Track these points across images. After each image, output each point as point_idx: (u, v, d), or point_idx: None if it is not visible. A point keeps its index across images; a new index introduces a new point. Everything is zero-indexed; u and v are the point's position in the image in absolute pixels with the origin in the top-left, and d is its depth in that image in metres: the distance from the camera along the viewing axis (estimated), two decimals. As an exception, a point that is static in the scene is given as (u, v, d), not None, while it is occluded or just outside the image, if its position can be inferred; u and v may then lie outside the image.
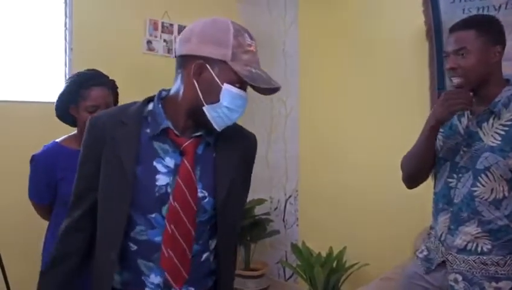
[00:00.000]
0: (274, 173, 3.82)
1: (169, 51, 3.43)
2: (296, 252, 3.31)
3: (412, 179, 1.77)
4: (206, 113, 1.17)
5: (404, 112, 2.91)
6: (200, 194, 1.21)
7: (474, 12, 2.49)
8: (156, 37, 3.37)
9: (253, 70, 1.16)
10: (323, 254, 3.17)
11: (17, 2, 2.83)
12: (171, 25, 3.45)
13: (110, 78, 1.94)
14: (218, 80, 1.15)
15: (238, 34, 1.16)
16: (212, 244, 1.29)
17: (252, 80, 1.13)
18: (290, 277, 3.74)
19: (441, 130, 1.69)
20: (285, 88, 3.67)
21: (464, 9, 2.54)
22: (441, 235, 1.67)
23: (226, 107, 1.16)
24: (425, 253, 1.75)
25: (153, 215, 1.20)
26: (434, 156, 1.71)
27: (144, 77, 3.17)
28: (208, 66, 1.15)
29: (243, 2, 3.99)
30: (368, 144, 3.14)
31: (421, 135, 1.68)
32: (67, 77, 3.00)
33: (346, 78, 3.27)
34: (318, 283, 2.99)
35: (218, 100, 1.16)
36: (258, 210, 3.74)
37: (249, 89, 1.20)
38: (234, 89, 1.16)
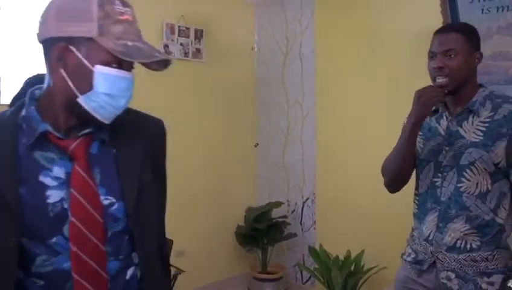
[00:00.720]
0: (291, 175, 3.82)
1: (185, 54, 3.46)
2: (313, 255, 3.29)
3: (395, 182, 1.83)
4: (83, 105, 0.98)
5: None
6: (105, 202, 1.03)
7: (493, 12, 2.46)
8: (172, 40, 3.39)
9: (130, 44, 0.96)
10: (341, 257, 3.15)
11: (37, 8, 2.88)
12: (187, 28, 3.47)
13: None
14: (87, 63, 0.95)
15: (105, 2, 0.96)
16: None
17: (127, 56, 0.95)
18: (308, 280, 3.72)
19: (420, 133, 1.75)
20: (302, 90, 3.67)
21: (482, 9, 2.50)
22: (429, 234, 1.71)
23: (104, 94, 0.97)
24: (413, 256, 1.78)
25: (54, 239, 0.99)
26: (414, 157, 1.78)
27: (160, 80, 3.19)
28: (72, 47, 0.95)
29: (258, 5, 4.00)
30: (385, 146, 3.10)
31: (401, 137, 1.76)
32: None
33: (363, 79, 3.24)
34: (336, 287, 2.97)
35: (92, 87, 0.96)
36: (275, 213, 3.75)
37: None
38: (110, 70, 0.96)
